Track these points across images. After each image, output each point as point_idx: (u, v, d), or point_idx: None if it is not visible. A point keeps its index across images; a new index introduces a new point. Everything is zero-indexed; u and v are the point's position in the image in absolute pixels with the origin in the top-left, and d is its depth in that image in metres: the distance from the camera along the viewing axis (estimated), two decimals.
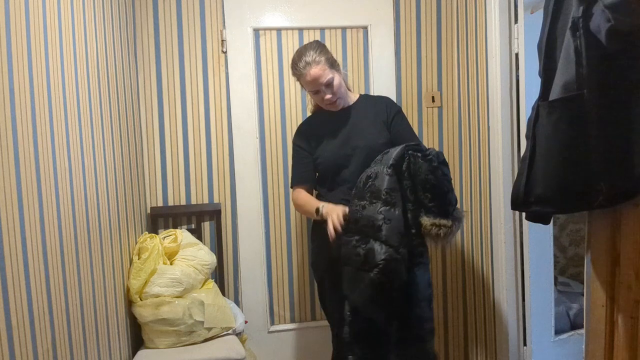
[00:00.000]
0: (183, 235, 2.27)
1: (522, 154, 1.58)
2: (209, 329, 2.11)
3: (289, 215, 2.64)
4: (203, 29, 2.54)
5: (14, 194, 1.15)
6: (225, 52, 2.55)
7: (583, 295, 1.40)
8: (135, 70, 2.45)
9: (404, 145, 1.74)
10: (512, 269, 2.20)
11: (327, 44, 2.61)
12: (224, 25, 2.55)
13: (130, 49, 2.35)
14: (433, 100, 2.70)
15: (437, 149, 2.38)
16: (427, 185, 1.66)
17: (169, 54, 2.51)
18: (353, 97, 2.09)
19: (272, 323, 2.67)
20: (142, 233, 2.34)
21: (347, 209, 1.80)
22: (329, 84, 1.93)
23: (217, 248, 2.55)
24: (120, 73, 2.13)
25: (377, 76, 2.64)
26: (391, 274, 1.59)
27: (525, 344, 2.21)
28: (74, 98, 1.55)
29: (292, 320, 2.69)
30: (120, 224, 2.01)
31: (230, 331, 2.18)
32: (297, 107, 2.62)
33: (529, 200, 1.26)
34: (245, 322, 2.42)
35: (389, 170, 1.67)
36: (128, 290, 2.04)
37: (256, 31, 2.58)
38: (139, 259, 2.10)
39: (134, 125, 2.34)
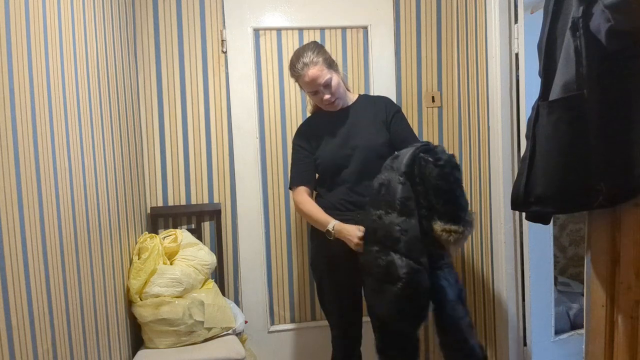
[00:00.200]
0: (183, 235, 2.27)
1: (522, 154, 1.58)
2: (209, 329, 2.11)
3: (289, 215, 2.64)
4: (203, 29, 2.54)
5: (14, 194, 1.15)
6: (225, 52, 2.55)
7: (583, 295, 1.40)
8: (135, 70, 2.45)
9: (414, 148, 1.70)
10: (512, 269, 2.20)
11: (327, 44, 2.61)
12: (224, 25, 2.55)
13: (130, 49, 2.35)
14: (433, 100, 2.70)
15: None
16: (438, 190, 1.63)
17: (169, 54, 2.51)
18: (352, 97, 2.08)
19: (272, 323, 2.67)
20: (142, 233, 2.34)
21: (361, 230, 1.79)
22: (327, 85, 1.93)
23: (217, 248, 2.55)
24: (120, 73, 2.13)
25: (377, 76, 2.64)
26: (415, 285, 1.57)
27: (525, 344, 2.21)
28: (74, 98, 1.55)
29: (292, 320, 2.69)
30: (120, 224, 2.01)
31: (230, 331, 2.18)
32: (297, 107, 2.62)
33: (529, 200, 1.26)
34: (245, 322, 2.42)
35: (402, 179, 1.63)
36: (128, 290, 2.04)
37: (256, 31, 2.58)
38: (139, 259, 2.10)
39: (134, 125, 2.34)
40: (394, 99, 2.52)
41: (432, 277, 1.64)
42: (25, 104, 1.22)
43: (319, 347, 2.57)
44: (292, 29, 2.60)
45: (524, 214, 1.72)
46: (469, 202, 2.54)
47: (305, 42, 2.37)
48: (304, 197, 2.02)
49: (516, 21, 2.12)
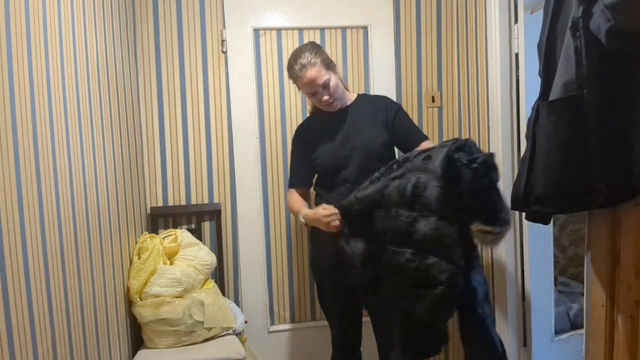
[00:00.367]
0: (183, 235, 2.27)
1: (522, 154, 1.58)
2: (209, 329, 2.11)
3: (289, 215, 2.64)
4: (203, 29, 2.54)
5: (14, 194, 1.15)
6: (225, 52, 2.55)
7: (583, 295, 1.40)
8: (135, 70, 2.45)
9: (447, 147, 1.63)
10: (512, 269, 2.20)
11: (327, 44, 2.62)
12: (224, 25, 2.55)
13: (130, 49, 2.35)
14: (433, 100, 2.70)
15: None
16: (474, 193, 1.59)
17: (169, 54, 2.51)
18: (351, 97, 2.08)
19: (272, 323, 2.67)
20: (142, 233, 2.34)
21: (325, 208, 1.83)
22: (326, 86, 1.92)
23: (217, 248, 2.55)
24: (120, 73, 2.13)
25: (377, 76, 2.64)
26: (454, 288, 1.57)
27: (525, 344, 2.21)
28: (74, 98, 1.55)
29: (292, 320, 2.69)
30: (120, 224, 2.01)
31: (230, 331, 2.18)
32: (297, 107, 2.62)
33: (529, 200, 1.26)
34: (245, 322, 2.42)
35: (440, 182, 1.59)
36: (128, 290, 2.04)
37: (256, 31, 2.58)
38: (139, 259, 2.10)
39: (134, 125, 2.34)
40: (394, 99, 2.51)
41: (468, 279, 1.64)
42: (25, 104, 1.22)
43: (319, 347, 2.57)
44: (292, 29, 2.60)
45: (524, 214, 1.72)
46: None
47: (306, 42, 2.36)
48: (292, 196, 2.09)
49: (516, 21, 2.12)
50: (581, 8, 1.09)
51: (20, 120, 1.19)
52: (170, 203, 2.55)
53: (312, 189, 2.16)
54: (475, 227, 1.61)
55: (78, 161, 1.56)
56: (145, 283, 2.05)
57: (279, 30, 2.59)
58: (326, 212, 1.82)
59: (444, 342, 1.74)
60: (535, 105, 1.25)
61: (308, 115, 2.21)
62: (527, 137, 1.29)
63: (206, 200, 2.58)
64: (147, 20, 2.49)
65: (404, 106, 2.64)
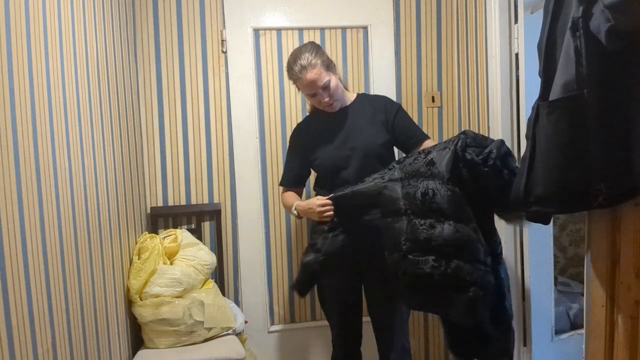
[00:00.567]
0: (183, 235, 2.27)
1: (522, 154, 1.58)
2: (209, 329, 2.11)
3: (289, 215, 2.64)
4: (203, 29, 2.54)
5: (14, 194, 1.15)
6: (225, 52, 2.55)
7: (583, 295, 1.40)
8: (135, 70, 2.45)
9: (452, 148, 1.59)
10: (512, 269, 2.20)
11: (327, 44, 2.62)
12: (224, 25, 2.55)
13: (130, 49, 2.35)
14: (433, 100, 2.70)
15: None
16: (495, 187, 1.55)
17: (169, 54, 2.51)
18: (351, 97, 2.08)
19: (272, 323, 2.67)
20: (142, 233, 2.34)
21: (320, 199, 1.88)
22: (326, 87, 1.92)
23: (217, 248, 2.55)
24: (120, 73, 2.13)
25: (377, 76, 2.64)
26: (487, 287, 1.55)
27: (525, 344, 2.21)
28: (74, 98, 1.55)
29: (292, 320, 2.69)
30: (120, 224, 2.00)
31: (230, 331, 2.18)
32: (297, 107, 2.62)
33: (529, 200, 1.26)
34: (245, 322, 2.42)
35: (449, 186, 1.56)
36: (128, 290, 2.04)
37: (256, 31, 2.58)
38: (139, 259, 2.10)
39: (134, 125, 2.34)
40: (394, 99, 2.51)
41: (495, 272, 1.62)
42: (25, 104, 1.22)
43: (319, 347, 2.57)
44: (292, 29, 2.60)
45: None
46: None
47: (306, 42, 2.36)
48: (286, 192, 2.14)
49: (516, 21, 2.12)
50: (581, 8, 1.08)
51: (20, 120, 1.19)
52: (170, 203, 2.55)
53: (312, 190, 2.16)
54: (500, 215, 1.61)
55: (78, 161, 1.56)
56: (145, 283, 2.05)
57: (279, 30, 2.59)
58: (321, 202, 1.86)
59: (492, 336, 1.73)
60: (535, 105, 1.25)
61: (307, 115, 2.21)
62: (527, 137, 1.29)
63: (206, 200, 2.58)
64: (147, 20, 2.49)
65: (404, 106, 2.64)
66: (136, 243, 2.21)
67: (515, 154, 2.18)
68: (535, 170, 1.23)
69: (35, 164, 1.26)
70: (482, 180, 1.55)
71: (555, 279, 2.72)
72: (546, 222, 1.39)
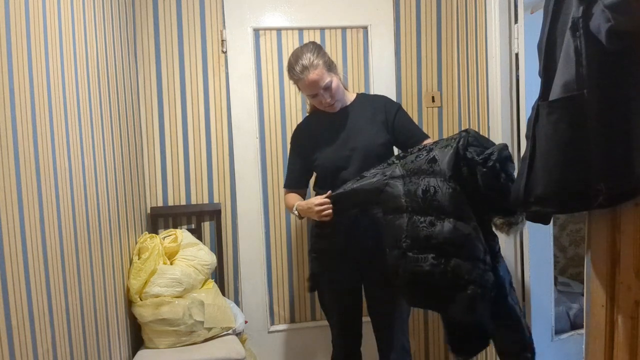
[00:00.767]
0: (183, 235, 2.27)
1: (522, 154, 1.58)
2: (209, 329, 2.11)
3: (289, 215, 2.64)
4: (203, 29, 2.54)
5: (14, 194, 1.15)
6: (225, 52, 2.55)
7: (583, 295, 1.40)
8: (135, 70, 2.45)
9: (455, 148, 1.59)
10: (512, 269, 2.19)
11: (327, 44, 2.62)
12: (224, 25, 2.55)
13: (130, 49, 2.35)
14: (433, 100, 2.70)
15: None
16: (492, 189, 1.56)
17: (169, 54, 2.51)
18: (350, 97, 2.07)
19: (272, 323, 2.67)
20: (142, 233, 2.34)
21: (319, 197, 1.88)
22: (328, 88, 1.91)
23: (217, 248, 2.55)
24: (120, 73, 2.13)
25: (377, 76, 2.64)
26: (485, 284, 1.55)
27: None
28: (74, 98, 1.55)
29: (292, 320, 2.69)
30: (120, 224, 2.00)
31: (230, 331, 2.18)
32: (297, 107, 2.62)
33: (529, 200, 1.26)
34: (245, 322, 2.42)
35: (451, 184, 1.56)
36: (128, 290, 2.04)
37: (256, 31, 2.58)
38: (139, 259, 2.10)
39: (134, 125, 2.34)
40: (394, 99, 2.51)
41: (495, 272, 1.62)
42: (25, 104, 1.22)
43: (319, 347, 2.57)
44: (292, 29, 2.60)
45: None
46: None
47: (305, 42, 2.36)
48: (288, 194, 2.14)
49: (516, 21, 2.12)
50: (581, 8, 1.08)
51: (20, 120, 1.19)
52: (170, 203, 2.55)
53: (312, 190, 2.16)
54: (499, 219, 1.60)
55: (78, 161, 1.56)
56: (145, 283, 2.05)
57: (279, 30, 2.59)
58: (319, 201, 1.86)
59: (491, 335, 1.73)
60: (535, 105, 1.25)
61: (307, 115, 2.21)
62: (527, 137, 1.29)
63: (206, 200, 2.58)
64: (147, 20, 2.49)
65: (404, 106, 2.64)
66: (136, 243, 2.21)
67: (515, 154, 2.19)
68: (535, 170, 1.23)
69: (35, 164, 1.26)
70: (480, 180, 1.56)
71: (555, 279, 2.72)
72: (546, 222, 1.39)
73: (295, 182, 2.12)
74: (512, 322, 1.68)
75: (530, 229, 2.10)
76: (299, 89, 2.00)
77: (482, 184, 1.55)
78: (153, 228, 2.50)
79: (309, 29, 2.61)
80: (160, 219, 2.52)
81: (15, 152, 1.16)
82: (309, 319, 2.70)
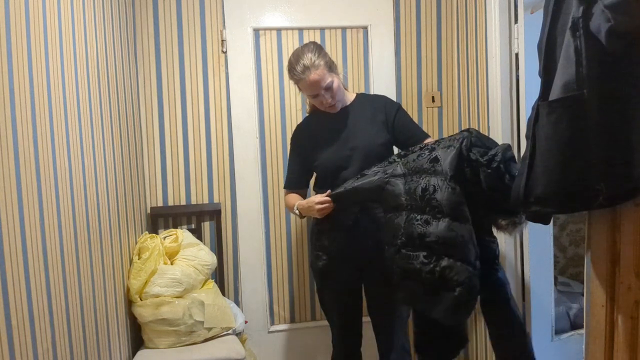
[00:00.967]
0: (184, 235, 2.27)
1: (522, 154, 1.58)
2: (209, 329, 2.11)
3: (289, 215, 2.64)
4: (203, 29, 2.54)
5: (14, 194, 1.15)
6: (225, 52, 2.55)
7: (583, 295, 1.40)
8: (135, 70, 2.45)
9: (458, 148, 1.59)
10: (512, 269, 2.20)
11: (327, 44, 2.61)
12: (224, 25, 2.55)
13: (130, 49, 2.35)
14: (433, 100, 2.70)
15: None
16: (496, 189, 1.54)
17: (169, 54, 2.51)
18: (350, 97, 2.07)
19: (272, 323, 2.67)
20: (142, 233, 2.34)
21: (319, 196, 1.89)
22: (329, 88, 1.91)
23: (217, 248, 2.55)
24: (120, 73, 2.13)
25: (377, 76, 2.64)
26: (472, 289, 1.54)
27: None
28: (74, 98, 1.55)
29: (292, 320, 2.69)
30: (120, 224, 2.01)
31: (230, 331, 2.18)
32: (297, 107, 2.62)
33: (528, 200, 1.26)
34: (245, 322, 2.42)
35: (451, 184, 1.56)
36: (128, 290, 2.04)
37: (256, 31, 2.58)
38: (139, 259, 2.10)
39: (134, 125, 2.34)
40: (394, 98, 2.51)
41: (493, 275, 1.62)
42: (25, 104, 1.22)
43: (319, 347, 2.57)
44: (292, 29, 2.60)
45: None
46: None
47: (305, 42, 2.36)
48: (288, 194, 2.14)
49: (516, 21, 2.12)
50: (581, 8, 1.08)
51: (20, 120, 1.19)
52: (170, 203, 2.55)
53: (312, 190, 2.16)
54: (503, 220, 1.60)
55: (78, 161, 1.56)
56: (146, 283, 2.05)
57: (279, 30, 2.59)
58: (320, 199, 1.86)
59: (463, 344, 1.72)
60: (535, 105, 1.25)
61: (307, 115, 2.21)
62: (527, 137, 1.29)
63: (206, 200, 2.58)
64: (147, 20, 2.49)
65: (404, 106, 2.64)
66: (136, 243, 2.21)
67: (515, 154, 2.18)
68: (535, 170, 1.23)
69: (35, 164, 1.26)
70: (483, 181, 1.55)
71: (555, 279, 2.72)
72: (546, 222, 1.39)
73: (295, 183, 2.12)
74: (513, 329, 1.68)
75: (530, 229, 2.10)
76: (300, 89, 2.00)
77: (485, 185, 1.55)
78: (153, 228, 2.50)
79: (309, 29, 2.61)
80: (160, 219, 2.52)
81: (15, 152, 1.16)
82: (309, 319, 2.70)
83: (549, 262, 2.18)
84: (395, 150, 2.08)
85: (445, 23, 2.68)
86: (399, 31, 2.67)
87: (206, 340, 2.12)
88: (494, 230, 1.66)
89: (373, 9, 2.63)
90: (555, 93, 1.16)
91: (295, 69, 1.90)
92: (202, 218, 2.56)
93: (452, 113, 2.71)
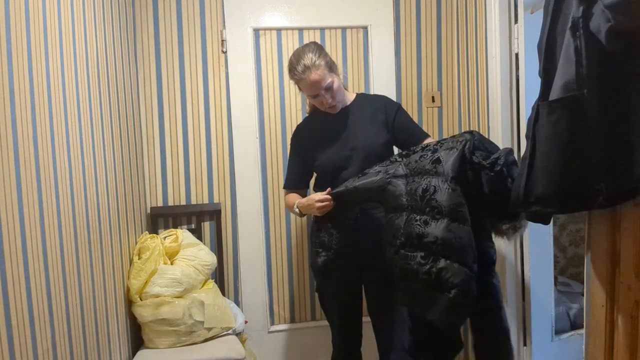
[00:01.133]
0: (184, 235, 2.27)
1: (522, 154, 1.58)
2: (209, 329, 2.11)
3: (289, 215, 2.64)
4: (203, 29, 2.54)
5: (14, 194, 1.15)
6: (225, 52, 2.55)
7: (583, 295, 1.40)
8: (135, 70, 2.45)
9: (460, 150, 1.58)
10: (512, 269, 2.20)
11: (327, 44, 2.61)
12: (224, 25, 2.55)
13: (130, 49, 2.35)
14: (433, 100, 2.70)
15: None
16: (497, 193, 1.53)
17: (169, 54, 2.51)
18: (350, 97, 2.07)
19: (272, 323, 2.67)
20: (142, 233, 2.34)
21: (319, 194, 1.90)
22: (329, 88, 1.91)
23: (217, 248, 2.55)
24: (120, 73, 2.13)
25: (377, 76, 2.64)
26: (468, 292, 1.53)
27: (525, 344, 2.21)
28: (74, 98, 1.55)
29: (292, 320, 2.69)
30: (120, 224, 2.00)
31: (230, 331, 2.18)
32: (297, 107, 2.62)
33: (528, 200, 1.26)
34: (245, 322, 2.42)
35: (452, 184, 1.55)
36: (128, 290, 2.04)
37: (256, 31, 2.58)
38: (139, 259, 2.10)
39: (134, 125, 2.34)
40: (394, 98, 2.51)
41: (488, 281, 1.62)
42: (25, 104, 1.22)
43: (319, 347, 2.57)
44: (292, 29, 2.60)
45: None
46: None
47: (306, 42, 2.36)
48: (288, 194, 2.14)
49: (516, 21, 2.12)
50: (581, 8, 1.08)
51: (20, 120, 1.19)
52: (170, 203, 2.55)
53: (312, 190, 2.16)
54: (504, 225, 1.59)
55: (78, 161, 1.56)
56: (146, 283, 2.05)
57: (279, 30, 2.59)
58: (320, 197, 1.87)
59: (457, 350, 1.72)
60: (535, 105, 1.25)
61: (307, 115, 2.21)
62: (527, 137, 1.29)
63: (206, 200, 2.58)
64: (147, 20, 2.49)
65: (404, 106, 2.64)
66: (136, 243, 2.21)
67: (516, 154, 2.18)
68: (535, 170, 1.23)
69: (35, 164, 1.26)
70: (485, 184, 1.54)
71: (555, 279, 2.72)
72: (546, 222, 1.39)
73: (295, 183, 2.12)
74: (502, 339, 1.68)
75: (530, 229, 2.10)
76: (300, 89, 2.00)
77: (487, 189, 1.54)
78: (153, 228, 2.50)
79: (309, 29, 2.61)
80: (160, 219, 2.52)
81: (15, 152, 1.16)
82: (309, 319, 2.70)
83: (549, 262, 2.18)
84: (395, 150, 2.08)
85: (445, 23, 2.68)
86: (399, 31, 2.67)
87: (206, 340, 2.12)
88: (493, 236, 1.65)
89: (373, 9, 2.63)
90: (555, 93, 1.16)
91: (295, 69, 1.90)
92: (202, 218, 2.56)
93: (452, 113, 2.71)
